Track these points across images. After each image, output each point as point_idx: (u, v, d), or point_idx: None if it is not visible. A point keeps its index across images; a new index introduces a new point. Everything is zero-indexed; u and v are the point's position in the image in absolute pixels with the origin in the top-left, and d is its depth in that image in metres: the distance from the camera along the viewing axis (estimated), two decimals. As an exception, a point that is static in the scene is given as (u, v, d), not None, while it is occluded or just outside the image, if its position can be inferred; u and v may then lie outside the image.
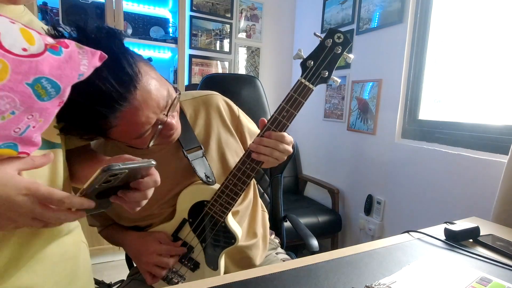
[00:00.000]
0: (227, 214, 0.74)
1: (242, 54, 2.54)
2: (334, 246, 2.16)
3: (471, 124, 1.43)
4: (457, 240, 0.77)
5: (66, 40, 0.43)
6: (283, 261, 0.92)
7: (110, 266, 2.00)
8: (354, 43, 2.04)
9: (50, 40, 0.41)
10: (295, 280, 0.58)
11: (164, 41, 2.11)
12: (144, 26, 2.09)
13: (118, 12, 1.89)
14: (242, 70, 2.56)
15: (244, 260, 0.85)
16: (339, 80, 0.71)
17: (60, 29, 0.52)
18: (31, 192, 0.39)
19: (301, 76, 0.69)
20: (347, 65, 2.10)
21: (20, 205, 0.38)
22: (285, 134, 0.70)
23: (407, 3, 1.66)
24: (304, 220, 1.94)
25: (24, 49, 0.37)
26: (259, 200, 0.95)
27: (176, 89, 0.66)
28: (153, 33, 2.11)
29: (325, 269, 0.62)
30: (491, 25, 1.39)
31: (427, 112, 1.68)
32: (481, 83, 1.44)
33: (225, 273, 0.81)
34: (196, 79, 2.39)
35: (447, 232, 0.79)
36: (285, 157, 0.73)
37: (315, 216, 2.01)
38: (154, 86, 0.58)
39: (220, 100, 0.85)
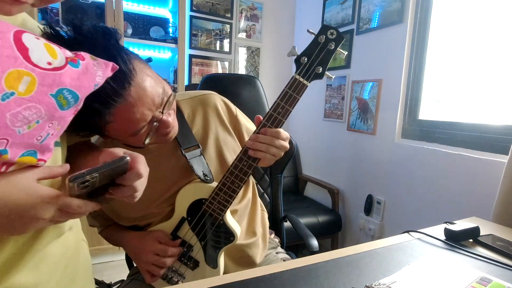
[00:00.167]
0: (226, 211, 0.75)
1: (242, 54, 2.54)
2: (334, 246, 2.16)
3: (471, 124, 1.43)
4: (457, 240, 0.77)
5: (82, 53, 0.46)
6: (284, 260, 0.92)
7: (110, 266, 2.00)
8: (354, 43, 2.04)
9: (69, 54, 0.44)
10: (295, 280, 0.58)
11: (164, 41, 2.11)
12: (144, 26, 2.09)
13: (118, 12, 1.89)
14: (242, 70, 2.56)
15: (244, 259, 0.86)
16: (332, 77, 0.71)
17: (57, 28, 0.52)
18: (53, 201, 0.42)
19: (295, 72, 0.69)
20: (347, 65, 2.10)
21: (43, 213, 0.42)
22: (280, 130, 0.71)
23: (407, 3, 1.66)
24: (304, 220, 1.94)
25: (49, 63, 0.40)
26: (258, 200, 0.95)
27: (172, 88, 0.66)
28: (153, 33, 2.11)
29: (325, 269, 0.62)
30: (491, 25, 1.39)
31: (427, 112, 1.68)
32: (480, 83, 1.44)
33: (225, 271, 0.81)
34: (196, 79, 2.39)
35: (447, 232, 0.79)
36: (282, 153, 0.73)
37: (315, 216, 2.01)
38: (149, 83, 0.59)
39: (217, 99, 0.86)
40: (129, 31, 2.04)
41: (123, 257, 1.13)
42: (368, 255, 0.69)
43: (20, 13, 0.51)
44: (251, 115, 0.96)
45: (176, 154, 0.77)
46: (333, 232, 2.11)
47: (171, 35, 2.17)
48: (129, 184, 0.50)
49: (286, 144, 0.72)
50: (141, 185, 0.53)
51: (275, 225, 1.22)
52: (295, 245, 2.14)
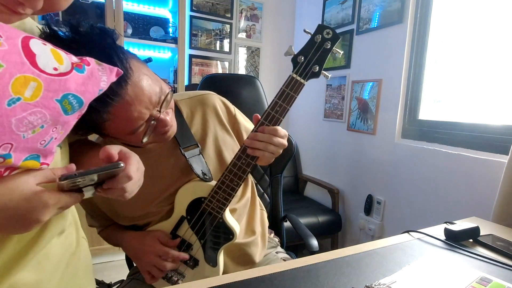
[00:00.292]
0: (225, 210, 0.75)
1: (242, 54, 2.54)
2: (334, 246, 2.16)
3: (471, 124, 1.43)
4: (457, 240, 0.77)
5: (87, 58, 0.46)
6: (284, 260, 0.92)
7: (110, 266, 2.00)
8: (354, 43, 2.04)
9: (74, 59, 0.45)
10: (295, 280, 0.58)
11: (164, 41, 2.11)
12: (144, 26, 2.09)
13: (118, 12, 1.89)
14: (242, 70, 2.56)
15: (243, 257, 0.86)
16: (329, 75, 0.72)
17: (55, 28, 0.53)
18: (53, 205, 0.42)
19: (292, 71, 0.70)
20: (347, 65, 2.10)
21: (45, 216, 0.42)
22: (278, 127, 0.71)
23: (407, 3, 1.66)
24: (304, 220, 1.94)
25: (55, 69, 0.41)
26: (257, 199, 0.96)
27: (170, 87, 0.66)
28: (153, 33, 2.11)
29: (325, 269, 0.62)
30: (491, 25, 1.39)
31: (427, 112, 1.68)
32: (480, 83, 1.44)
33: (224, 270, 0.81)
34: (196, 79, 2.39)
35: (447, 232, 0.79)
36: (280, 151, 0.74)
37: (315, 216, 2.01)
38: (146, 82, 0.59)
39: (216, 99, 0.86)
40: (129, 31, 2.04)
41: (123, 257, 1.13)
42: (368, 255, 0.69)
43: None
44: (251, 115, 0.96)
45: (175, 153, 0.77)
46: (333, 232, 2.11)
47: (171, 35, 2.17)
48: (116, 187, 0.50)
49: (285, 142, 0.73)
50: (131, 185, 0.52)
51: (275, 225, 1.22)
52: (295, 245, 2.14)
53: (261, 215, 0.96)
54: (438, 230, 0.83)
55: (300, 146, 2.60)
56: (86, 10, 1.88)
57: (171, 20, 2.20)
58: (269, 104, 0.71)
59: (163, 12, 2.21)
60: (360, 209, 2.00)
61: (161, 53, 2.26)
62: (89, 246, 0.70)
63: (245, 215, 0.89)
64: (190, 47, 2.35)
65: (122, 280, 0.91)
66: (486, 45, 1.41)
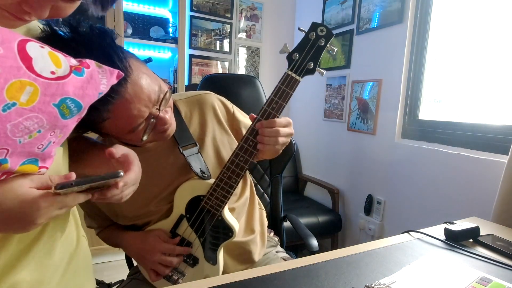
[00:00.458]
0: (223, 207, 0.76)
1: (242, 54, 2.54)
2: (334, 246, 2.16)
3: (471, 124, 1.43)
4: (457, 240, 0.77)
5: (87, 60, 0.45)
6: (284, 259, 0.92)
7: (110, 266, 2.00)
8: (354, 43, 2.04)
9: (73, 62, 0.44)
10: (295, 280, 0.58)
11: (164, 41, 2.11)
12: (144, 26, 2.09)
13: (118, 12, 1.89)
14: (242, 70, 2.56)
15: (242, 256, 0.86)
16: (324, 72, 0.73)
17: (56, 28, 0.53)
18: (49, 205, 0.42)
19: (288, 68, 0.71)
20: (347, 65, 2.10)
21: (41, 218, 0.42)
22: (276, 119, 0.71)
23: (407, 3, 1.66)
24: (304, 220, 1.94)
25: (53, 72, 0.40)
26: (256, 198, 0.96)
27: (170, 86, 0.67)
28: (153, 33, 2.10)
29: (325, 269, 0.62)
30: (491, 25, 1.39)
31: (427, 112, 1.68)
32: (481, 83, 1.44)
33: (224, 268, 0.81)
34: (196, 79, 2.39)
35: (447, 232, 0.79)
36: (289, 139, 0.76)
37: (315, 216, 2.01)
38: (145, 81, 0.60)
39: (214, 99, 0.86)
40: (129, 31, 2.03)
41: (123, 257, 1.13)
42: (368, 255, 0.69)
43: None
44: (250, 115, 0.96)
45: (174, 152, 0.77)
46: (333, 232, 2.11)
47: (171, 35, 2.17)
48: (109, 197, 0.51)
49: (288, 130, 0.73)
50: (127, 190, 0.53)
51: (275, 225, 1.22)
52: (295, 245, 2.14)
53: (260, 214, 0.96)
54: (438, 230, 0.83)
55: (300, 146, 2.60)
56: (86, 10, 1.88)
57: (171, 20, 2.20)
58: (265, 101, 0.72)
59: (163, 12, 2.21)
60: (360, 209, 2.00)
61: (161, 53, 2.26)
62: (89, 246, 0.70)
63: (244, 214, 0.90)
64: (190, 47, 2.35)
65: (122, 280, 0.91)
66: (486, 45, 1.41)
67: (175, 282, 0.79)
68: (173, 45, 2.11)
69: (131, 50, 2.12)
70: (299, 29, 0.72)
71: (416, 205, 1.63)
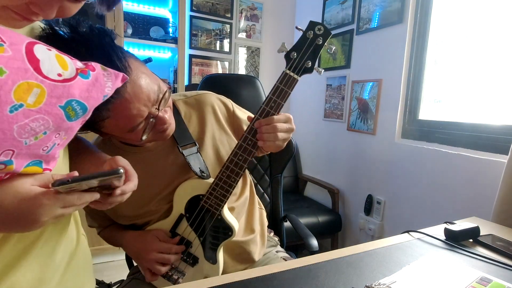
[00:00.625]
0: (223, 206, 0.76)
1: (242, 54, 2.54)
2: (334, 246, 2.17)
3: (471, 124, 1.43)
4: (457, 240, 0.77)
5: (92, 63, 0.46)
6: (284, 259, 0.92)
7: (110, 266, 2.00)
8: (354, 43, 2.04)
9: (79, 64, 0.44)
10: (295, 280, 0.58)
11: (164, 41, 2.11)
12: (144, 26, 2.08)
13: (118, 12, 1.89)
14: (242, 70, 2.56)
15: (242, 255, 0.86)
16: (322, 70, 0.73)
17: (56, 28, 0.53)
18: (50, 201, 0.41)
19: (286, 67, 0.71)
20: (347, 65, 2.10)
21: (43, 215, 0.41)
22: (273, 116, 0.71)
23: (407, 3, 1.66)
24: (304, 220, 1.94)
25: (59, 75, 0.40)
26: (256, 198, 0.96)
27: (168, 85, 0.67)
28: (153, 33, 2.10)
29: (325, 269, 0.62)
30: (491, 25, 1.39)
31: (427, 112, 1.68)
32: (481, 83, 1.44)
33: (223, 268, 0.82)
34: (196, 79, 2.39)
35: (447, 232, 0.79)
36: (290, 135, 0.76)
37: (315, 216, 2.01)
38: (144, 80, 0.61)
39: (214, 99, 0.87)
40: (129, 31, 2.03)
41: (123, 257, 1.14)
42: (368, 255, 0.69)
43: None
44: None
45: (174, 152, 0.78)
46: (333, 232, 2.11)
47: (171, 35, 2.17)
48: (109, 203, 0.51)
49: (288, 125, 0.73)
50: (125, 196, 0.53)
51: (275, 225, 1.22)
52: (295, 245, 2.14)
53: (260, 214, 0.96)
54: (438, 230, 0.83)
55: (300, 146, 2.60)
56: (86, 10, 1.88)
57: (171, 20, 2.20)
58: (264, 100, 0.72)
59: (163, 12, 2.21)
60: (360, 209, 2.00)
61: (161, 53, 2.26)
62: (89, 246, 0.70)
63: (244, 213, 0.90)
64: (190, 47, 2.35)
65: (122, 280, 0.91)
66: (486, 45, 1.41)
67: (175, 282, 0.79)
68: (173, 45, 2.11)
69: (131, 50, 2.12)
70: (297, 28, 0.72)
71: (416, 205, 1.63)
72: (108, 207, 0.53)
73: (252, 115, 0.73)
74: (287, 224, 1.20)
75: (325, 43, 0.71)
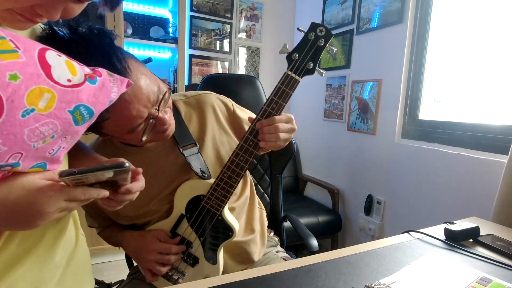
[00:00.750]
0: (223, 207, 0.76)
1: (242, 54, 2.54)
2: (334, 246, 2.17)
3: (471, 124, 1.43)
4: (457, 240, 0.77)
5: (99, 69, 0.47)
6: (284, 259, 0.92)
7: (110, 266, 2.00)
8: (354, 43, 2.04)
9: (87, 70, 0.45)
10: (295, 280, 0.58)
11: (164, 41, 2.11)
12: (144, 26, 2.08)
13: (118, 12, 1.89)
14: (242, 70, 2.56)
15: (242, 256, 0.86)
16: (323, 72, 0.73)
17: (56, 28, 0.53)
18: (55, 193, 0.42)
19: (288, 68, 0.71)
20: (347, 65, 2.10)
21: (47, 207, 0.41)
22: (276, 117, 0.71)
23: (407, 3, 1.66)
24: (304, 220, 1.94)
25: (69, 80, 0.41)
26: (256, 198, 0.96)
27: (168, 86, 0.67)
28: (153, 33, 2.10)
29: (325, 269, 0.62)
30: (491, 25, 1.39)
31: (427, 112, 1.68)
32: (481, 83, 1.44)
33: (224, 268, 0.82)
34: (196, 79, 2.39)
35: (447, 232, 0.79)
36: (292, 135, 0.75)
37: (315, 216, 2.01)
38: (144, 81, 0.61)
39: (214, 99, 0.87)
40: (129, 31, 2.03)
41: (123, 257, 1.13)
42: (368, 255, 0.69)
43: None
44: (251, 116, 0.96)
45: (174, 152, 0.78)
46: (333, 232, 2.11)
47: (171, 35, 2.17)
48: (119, 201, 0.51)
49: (290, 125, 0.73)
50: (134, 196, 0.54)
51: (275, 225, 1.22)
52: (295, 245, 2.14)
53: (260, 214, 0.96)
54: (438, 230, 0.83)
55: (300, 146, 2.60)
56: (86, 10, 1.88)
57: (171, 20, 2.20)
58: (265, 101, 0.72)
59: (163, 12, 2.21)
60: (360, 209, 2.00)
61: (161, 53, 2.26)
62: (89, 246, 0.70)
63: (244, 213, 0.90)
64: (190, 47, 2.35)
65: (122, 280, 0.91)
66: (486, 45, 1.41)
67: (175, 282, 0.79)
68: (173, 45, 2.11)
69: (131, 50, 2.12)
70: (298, 29, 0.72)
71: (416, 205, 1.63)
72: (118, 207, 0.53)
73: (253, 115, 0.73)
74: (287, 224, 1.20)
75: (327, 45, 0.71)
